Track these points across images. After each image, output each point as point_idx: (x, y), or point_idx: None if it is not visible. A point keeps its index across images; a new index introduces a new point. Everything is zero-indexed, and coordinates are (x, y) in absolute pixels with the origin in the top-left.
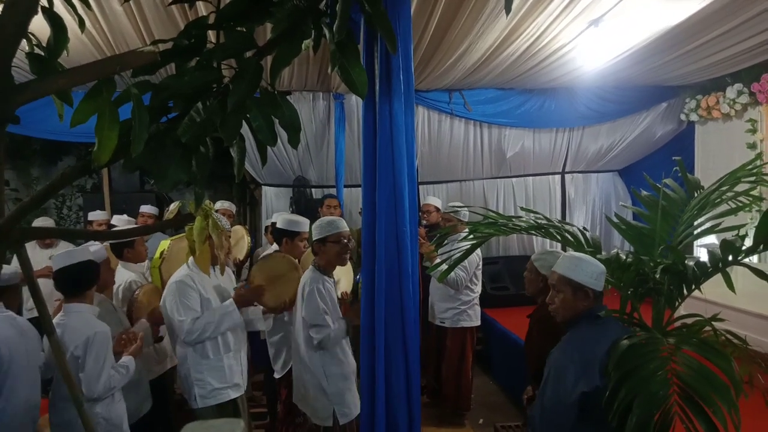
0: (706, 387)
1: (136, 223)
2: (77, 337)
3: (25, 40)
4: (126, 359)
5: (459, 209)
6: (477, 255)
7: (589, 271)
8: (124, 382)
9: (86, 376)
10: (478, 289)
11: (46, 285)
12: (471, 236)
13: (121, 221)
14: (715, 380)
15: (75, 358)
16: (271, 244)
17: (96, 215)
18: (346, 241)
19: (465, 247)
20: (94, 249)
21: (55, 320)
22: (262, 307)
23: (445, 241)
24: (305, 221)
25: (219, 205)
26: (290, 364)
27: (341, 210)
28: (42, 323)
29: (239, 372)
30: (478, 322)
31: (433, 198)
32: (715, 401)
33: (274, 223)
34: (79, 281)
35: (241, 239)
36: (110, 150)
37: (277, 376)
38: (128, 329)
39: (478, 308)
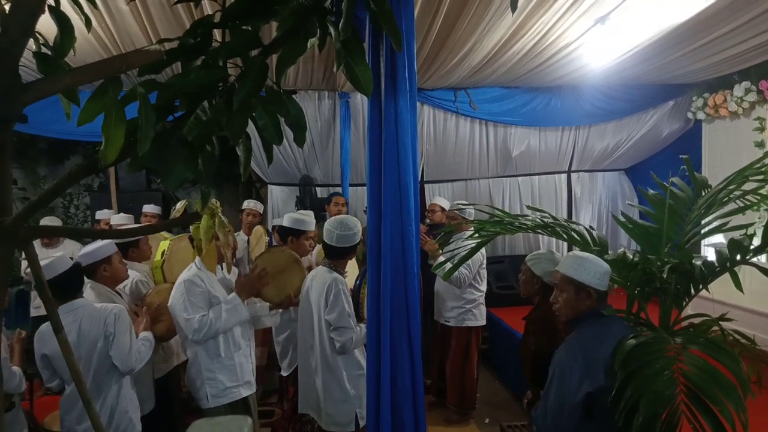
0: (713, 386)
1: (140, 222)
2: (106, 316)
3: (32, 40)
4: (143, 335)
5: (464, 207)
6: (481, 254)
7: (593, 270)
8: (150, 354)
9: (120, 352)
10: (484, 288)
11: None
12: (476, 235)
13: (120, 219)
14: (723, 380)
15: (106, 338)
16: (278, 244)
17: (103, 214)
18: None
19: (470, 246)
20: (102, 244)
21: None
22: (268, 303)
23: (451, 239)
24: (311, 220)
25: (246, 204)
26: (296, 363)
27: (347, 208)
28: (50, 321)
29: (250, 370)
30: (483, 322)
31: (440, 198)
32: (722, 400)
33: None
34: (69, 287)
35: (260, 238)
36: (117, 149)
37: (284, 374)
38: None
39: (483, 308)
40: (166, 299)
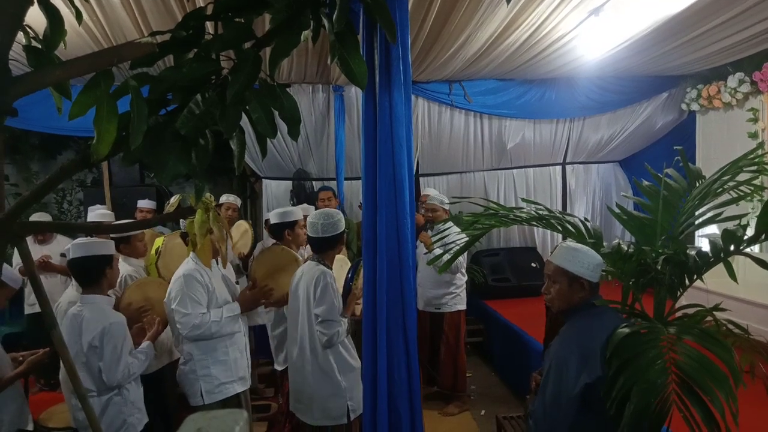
0: (705, 376)
1: (135, 218)
2: (93, 327)
3: (22, 33)
4: (144, 345)
5: (446, 202)
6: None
7: (586, 262)
8: (144, 367)
9: (105, 366)
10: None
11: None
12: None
13: (98, 215)
14: (714, 370)
15: (93, 348)
16: (276, 243)
17: (96, 209)
18: None
19: (465, 238)
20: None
21: (72, 310)
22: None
23: (433, 229)
24: (297, 208)
25: (224, 198)
26: None
27: (339, 200)
28: (44, 318)
29: (245, 365)
30: (465, 305)
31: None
32: (713, 390)
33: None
34: (85, 273)
35: (245, 233)
36: (109, 143)
37: (279, 368)
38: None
39: (465, 291)
40: (145, 297)
